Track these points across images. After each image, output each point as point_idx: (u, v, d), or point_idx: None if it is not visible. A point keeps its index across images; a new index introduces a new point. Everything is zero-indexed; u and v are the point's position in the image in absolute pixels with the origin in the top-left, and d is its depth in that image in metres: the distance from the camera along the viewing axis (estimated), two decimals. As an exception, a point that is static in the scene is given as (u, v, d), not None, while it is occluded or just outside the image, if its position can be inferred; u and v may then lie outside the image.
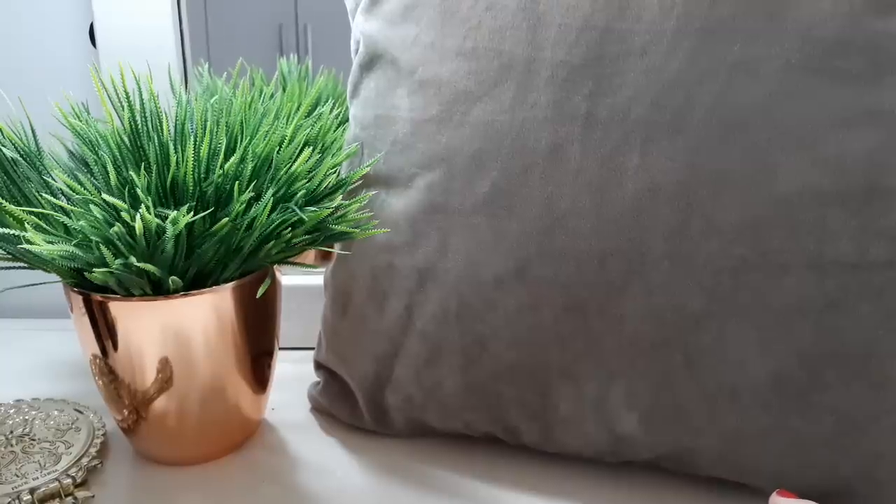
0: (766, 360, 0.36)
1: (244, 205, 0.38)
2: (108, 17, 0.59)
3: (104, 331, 0.40)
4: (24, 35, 0.66)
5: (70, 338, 0.64)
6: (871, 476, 0.37)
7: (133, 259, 0.36)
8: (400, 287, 0.43)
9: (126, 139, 0.39)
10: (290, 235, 0.40)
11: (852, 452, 0.37)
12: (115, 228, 0.35)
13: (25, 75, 0.67)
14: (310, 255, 0.55)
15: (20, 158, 0.41)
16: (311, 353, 0.51)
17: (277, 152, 0.40)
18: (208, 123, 0.39)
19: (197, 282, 0.40)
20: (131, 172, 0.38)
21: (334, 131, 0.45)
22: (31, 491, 0.40)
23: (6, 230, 0.37)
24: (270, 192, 0.39)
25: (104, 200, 0.37)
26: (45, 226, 0.38)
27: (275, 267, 0.44)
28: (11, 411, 0.49)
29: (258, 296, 0.42)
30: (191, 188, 0.39)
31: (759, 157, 0.35)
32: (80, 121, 0.41)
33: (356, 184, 0.45)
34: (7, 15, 0.66)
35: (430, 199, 0.42)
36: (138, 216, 0.35)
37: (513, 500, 0.41)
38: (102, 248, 0.36)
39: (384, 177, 0.44)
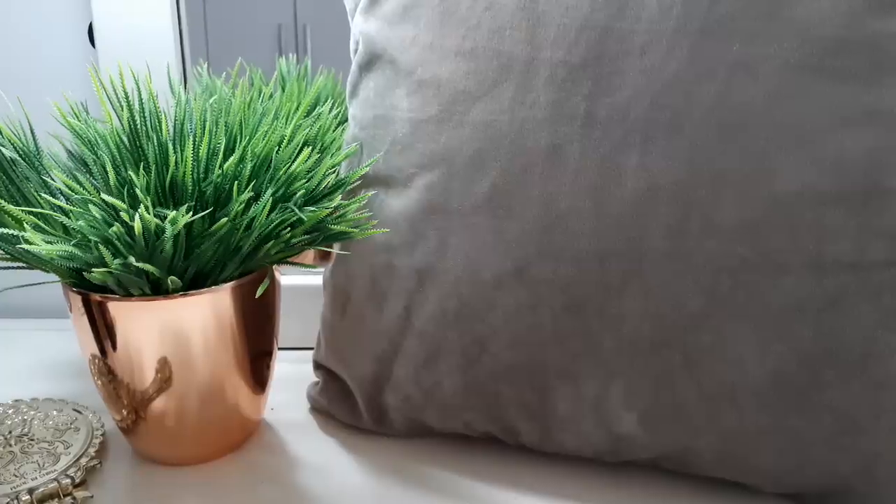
0: (765, 359, 0.36)
1: (243, 205, 0.38)
2: (107, 17, 0.59)
3: (103, 331, 0.40)
4: (23, 35, 0.66)
5: (69, 338, 0.64)
6: (871, 475, 0.37)
7: (132, 259, 0.36)
8: (399, 287, 0.43)
9: (125, 139, 0.39)
10: (289, 235, 0.40)
11: (852, 452, 0.37)
12: (114, 228, 0.35)
13: (25, 75, 0.67)
14: (309, 255, 0.55)
15: (19, 158, 0.41)
16: (311, 353, 0.51)
17: (276, 152, 0.40)
18: (207, 123, 0.39)
19: (196, 282, 0.40)
20: (130, 172, 0.38)
21: (333, 131, 0.45)
22: (30, 491, 0.40)
23: (5, 230, 0.37)
24: (269, 191, 0.38)
25: (103, 200, 0.37)
26: (44, 226, 0.38)
27: (274, 267, 0.44)
28: (10, 411, 0.49)
29: (257, 296, 0.42)
30: (190, 188, 0.38)
31: (758, 156, 0.35)
32: (79, 121, 0.41)
33: (355, 184, 0.45)
34: (6, 15, 0.66)
35: (430, 200, 0.41)
36: (137, 216, 0.35)
37: (512, 500, 0.41)
38: (101, 248, 0.35)
39: (383, 177, 0.44)
